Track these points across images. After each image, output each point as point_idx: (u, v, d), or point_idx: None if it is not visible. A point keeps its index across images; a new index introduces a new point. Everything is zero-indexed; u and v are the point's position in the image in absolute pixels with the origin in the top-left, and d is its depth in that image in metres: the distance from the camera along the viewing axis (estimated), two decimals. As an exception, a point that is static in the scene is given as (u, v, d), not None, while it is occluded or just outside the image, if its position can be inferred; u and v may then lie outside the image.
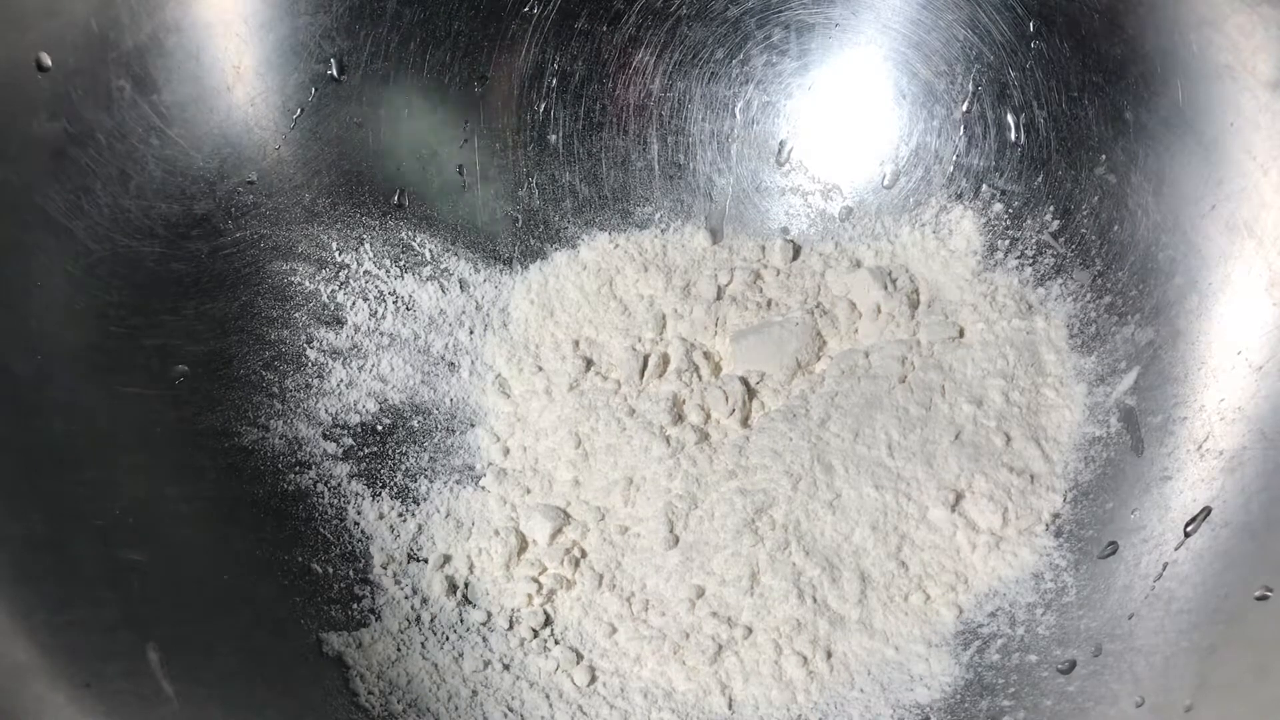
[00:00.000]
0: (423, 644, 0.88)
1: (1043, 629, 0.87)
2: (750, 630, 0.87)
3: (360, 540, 0.93)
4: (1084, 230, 1.00)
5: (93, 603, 0.81)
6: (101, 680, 0.77)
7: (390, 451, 0.98)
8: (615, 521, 0.93)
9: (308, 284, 1.03)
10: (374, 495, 0.95)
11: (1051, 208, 1.02)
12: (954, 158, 1.07)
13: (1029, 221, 1.03)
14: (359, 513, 0.94)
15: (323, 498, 0.95)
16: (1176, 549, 0.86)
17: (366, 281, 1.05)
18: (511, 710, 0.85)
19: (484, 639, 0.89)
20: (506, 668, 0.87)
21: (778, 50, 1.10)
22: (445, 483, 0.97)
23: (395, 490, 0.96)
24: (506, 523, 0.94)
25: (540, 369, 1.02)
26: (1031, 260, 1.03)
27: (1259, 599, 0.78)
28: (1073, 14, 0.98)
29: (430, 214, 1.08)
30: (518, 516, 0.94)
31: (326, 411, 0.99)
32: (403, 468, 0.98)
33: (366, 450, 0.98)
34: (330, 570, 0.91)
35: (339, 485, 0.96)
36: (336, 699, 0.84)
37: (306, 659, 0.86)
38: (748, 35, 1.09)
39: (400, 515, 0.95)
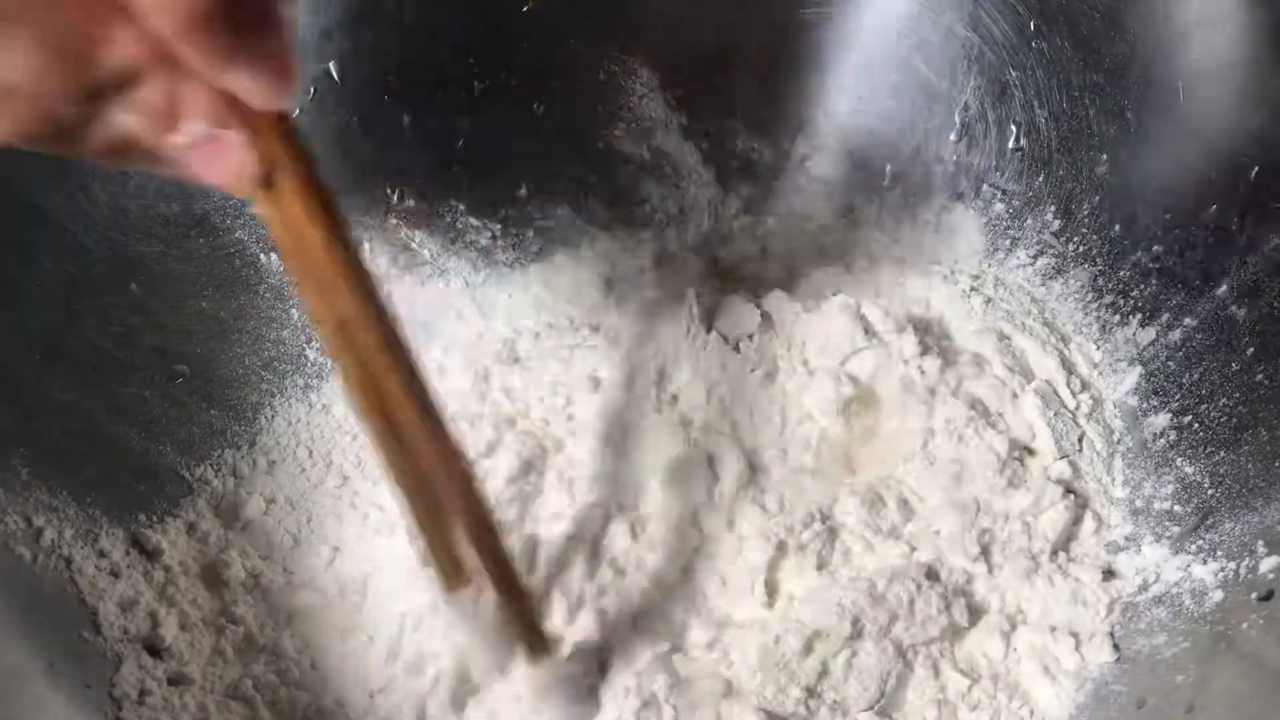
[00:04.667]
0: None
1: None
2: None
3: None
4: (1085, 229, 1.00)
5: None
6: (101, 682, 0.77)
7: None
8: None
9: (307, 284, 1.03)
10: None
11: (1053, 207, 1.02)
12: (954, 157, 1.06)
13: (1030, 221, 1.03)
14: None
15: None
16: (1177, 551, 0.86)
17: (366, 281, 1.05)
18: None
19: None
20: None
21: (777, 48, 1.09)
22: None
23: None
24: None
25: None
26: (1033, 260, 1.03)
27: (1260, 600, 0.78)
28: (1073, 13, 0.98)
29: (430, 214, 1.08)
30: None
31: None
32: None
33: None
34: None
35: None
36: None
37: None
38: (748, 34, 1.09)
39: None
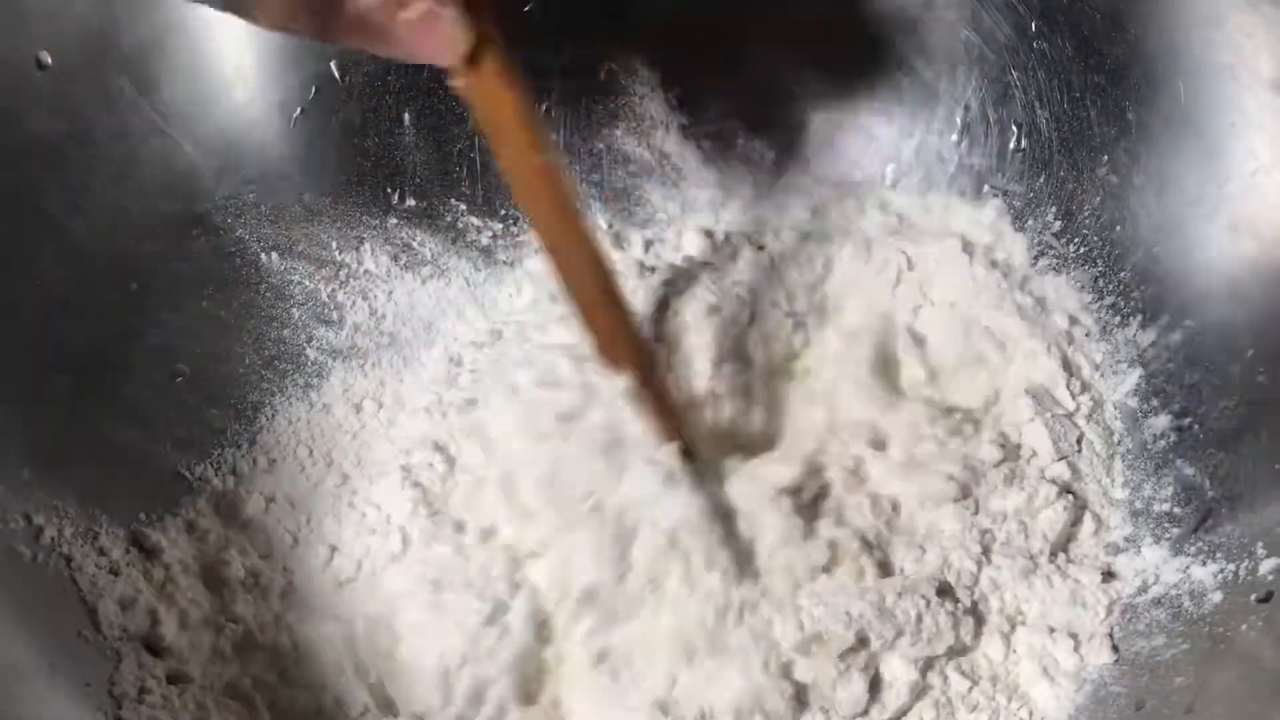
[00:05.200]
0: None
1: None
2: None
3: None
4: (1086, 231, 1.00)
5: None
6: (100, 680, 0.77)
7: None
8: None
9: (307, 283, 1.03)
10: None
11: (1054, 208, 1.02)
12: (956, 158, 1.06)
13: (1031, 222, 1.03)
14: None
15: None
16: (1177, 552, 0.86)
17: (366, 281, 1.05)
18: None
19: None
20: None
21: (778, 50, 1.09)
22: None
23: None
24: None
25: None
26: (1034, 260, 1.03)
27: (1260, 601, 0.78)
28: (1075, 14, 0.98)
29: (431, 213, 1.08)
30: None
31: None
32: None
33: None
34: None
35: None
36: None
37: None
38: (749, 34, 1.09)
39: None
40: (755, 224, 1.09)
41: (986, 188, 1.05)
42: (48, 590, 0.79)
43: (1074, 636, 0.84)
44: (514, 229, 1.09)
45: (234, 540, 0.90)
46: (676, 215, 1.11)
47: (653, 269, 1.05)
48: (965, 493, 0.89)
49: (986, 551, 0.87)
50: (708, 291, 0.97)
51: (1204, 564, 0.83)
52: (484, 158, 1.09)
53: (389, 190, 1.07)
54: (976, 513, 0.88)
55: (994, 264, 1.01)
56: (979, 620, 0.85)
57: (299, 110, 1.03)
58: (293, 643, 0.86)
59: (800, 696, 0.82)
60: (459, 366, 1.02)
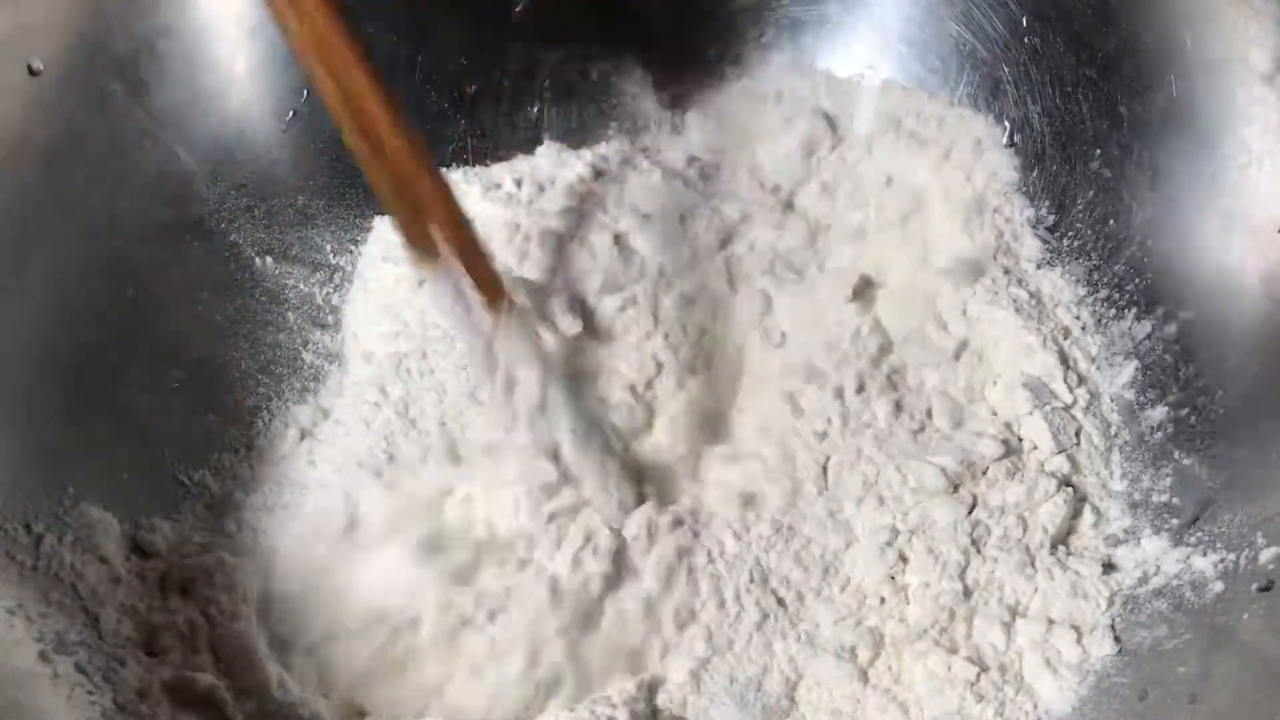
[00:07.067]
0: None
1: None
2: None
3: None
4: (1080, 224, 1.01)
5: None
6: (103, 684, 0.77)
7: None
8: None
9: (302, 286, 1.03)
10: None
11: (1047, 202, 1.02)
12: (948, 154, 1.07)
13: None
14: None
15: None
16: (1177, 543, 0.86)
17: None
18: None
19: None
20: None
21: (771, 48, 1.10)
22: None
23: None
24: None
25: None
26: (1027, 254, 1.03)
27: (1261, 590, 0.79)
28: (1066, 9, 0.98)
29: (424, 215, 1.08)
30: None
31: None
32: None
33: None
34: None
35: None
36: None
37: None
38: (741, 34, 1.09)
39: None
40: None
41: (980, 183, 1.06)
42: (49, 598, 0.79)
43: (1076, 628, 0.84)
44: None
45: (233, 545, 0.90)
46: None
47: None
48: (958, 485, 0.90)
49: (977, 544, 0.87)
50: None
51: (1204, 554, 0.83)
52: (476, 159, 1.09)
53: (382, 193, 1.07)
54: (974, 505, 0.89)
55: None
56: (970, 608, 0.86)
57: (291, 114, 1.03)
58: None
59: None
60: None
